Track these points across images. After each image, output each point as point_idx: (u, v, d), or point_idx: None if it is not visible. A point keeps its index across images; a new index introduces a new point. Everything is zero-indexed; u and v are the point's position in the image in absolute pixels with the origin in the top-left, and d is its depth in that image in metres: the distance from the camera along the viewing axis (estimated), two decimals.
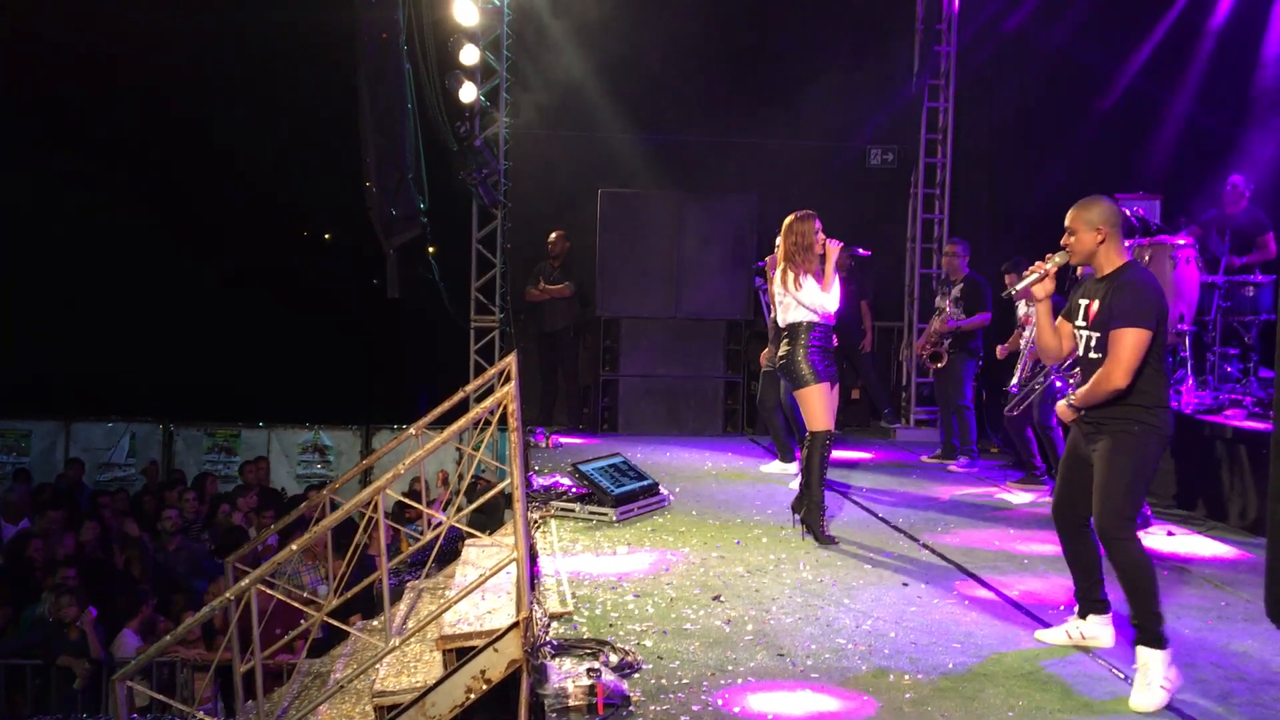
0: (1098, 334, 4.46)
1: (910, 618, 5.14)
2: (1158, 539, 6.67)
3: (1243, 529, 7.09)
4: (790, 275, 6.69)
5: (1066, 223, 4.55)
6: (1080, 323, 4.57)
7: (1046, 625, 5.03)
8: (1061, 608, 5.32)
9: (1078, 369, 4.71)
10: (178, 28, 15.56)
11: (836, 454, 9.52)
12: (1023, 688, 4.29)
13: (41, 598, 8.85)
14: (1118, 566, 4.31)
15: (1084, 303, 4.56)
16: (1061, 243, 4.56)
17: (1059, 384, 7.25)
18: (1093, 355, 4.49)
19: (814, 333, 6.67)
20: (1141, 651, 4.21)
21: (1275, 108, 10.02)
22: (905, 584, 5.71)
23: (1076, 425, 4.59)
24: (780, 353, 6.79)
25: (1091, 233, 4.46)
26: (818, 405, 6.63)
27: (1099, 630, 4.74)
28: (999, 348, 8.62)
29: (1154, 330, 4.32)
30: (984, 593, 5.62)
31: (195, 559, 9.90)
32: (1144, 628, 4.23)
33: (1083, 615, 4.79)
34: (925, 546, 6.53)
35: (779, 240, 6.94)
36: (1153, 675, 4.15)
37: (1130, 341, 4.30)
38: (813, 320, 6.66)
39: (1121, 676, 4.40)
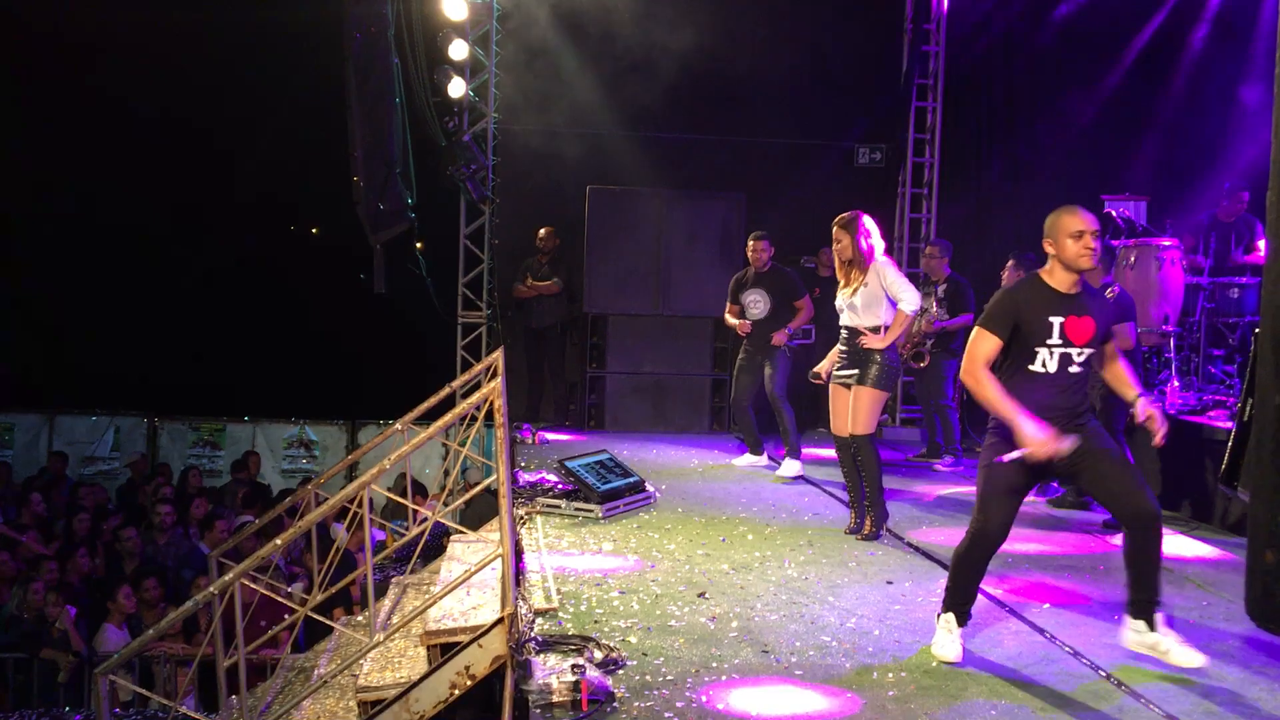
0: (1092, 350, 4.43)
1: (894, 616, 5.16)
2: None
3: (1225, 529, 7.13)
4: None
5: (1093, 225, 4.41)
6: (1055, 341, 4.39)
7: (1031, 624, 5.05)
8: (1045, 606, 5.36)
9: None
10: (163, 21, 15.47)
11: (822, 452, 9.59)
12: (1006, 686, 4.30)
13: (12, 592, 8.79)
14: (1159, 544, 4.43)
15: (1059, 320, 4.40)
16: (1090, 246, 4.37)
17: None
18: (1075, 370, 4.43)
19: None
20: (1161, 618, 4.41)
21: (1261, 111, 10.08)
22: (890, 582, 5.72)
23: (1064, 431, 4.38)
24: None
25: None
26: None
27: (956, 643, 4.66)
28: None
29: None
30: None
31: (183, 553, 9.86)
32: (1160, 600, 4.42)
33: (964, 622, 4.69)
34: (910, 545, 6.55)
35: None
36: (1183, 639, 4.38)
37: None
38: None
39: (1104, 675, 4.42)
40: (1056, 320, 4.39)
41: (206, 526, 10.01)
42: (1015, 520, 4.55)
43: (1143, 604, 4.39)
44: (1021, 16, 11.62)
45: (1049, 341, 4.40)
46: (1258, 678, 4.49)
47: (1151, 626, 4.33)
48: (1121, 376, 4.62)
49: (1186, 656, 4.22)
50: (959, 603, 4.63)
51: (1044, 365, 4.41)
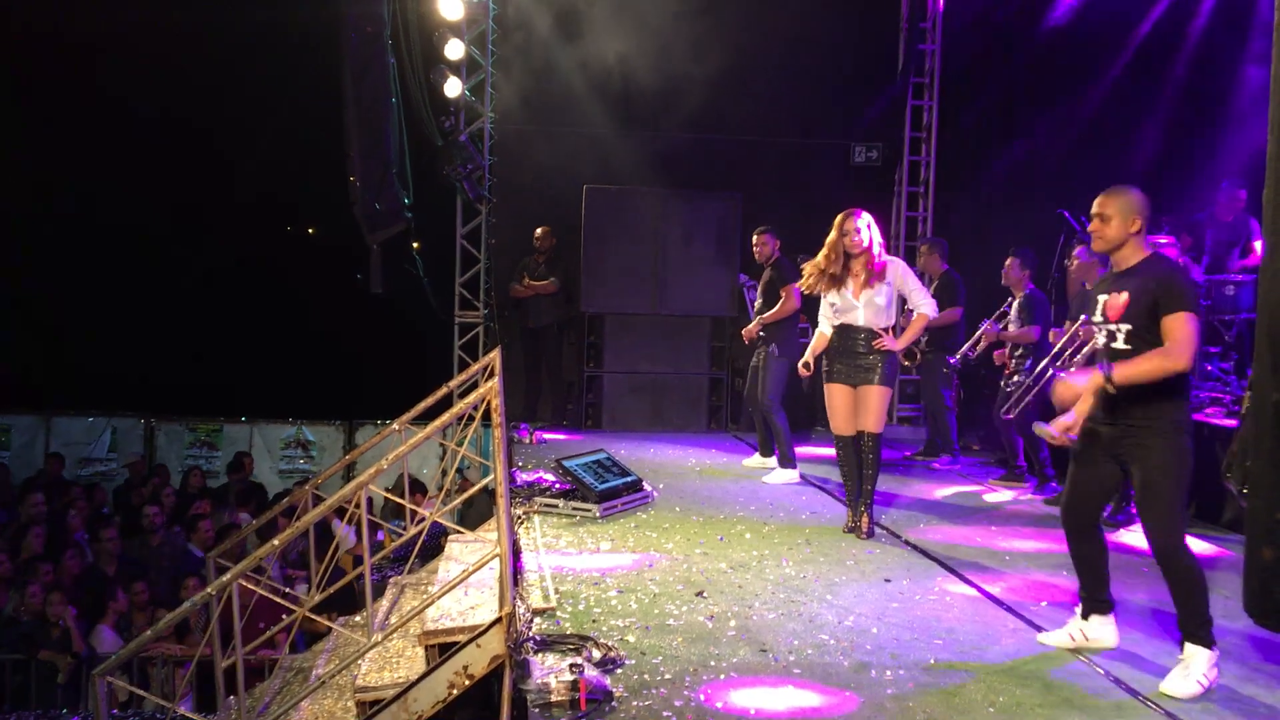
0: (1129, 325, 4.29)
1: (892, 614, 5.16)
2: (1136, 535, 6.68)
3: (1223, 526, 7.13)
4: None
5: (1096, 208, 4.38)
6: (1098, 318, 4.41)
7: (1029, 622, 5.05)
8: (1043, 604, 5.36)
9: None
10: (163, 21, 15.46)
11: (820, 451, 9.59)
12: (1003, 684, 4.30)
13: (9, 594, 8.78)
14: (1177, 579, 4.27)
15: (1103, 299, 4.42)
16: (1090, 229, 4.41)
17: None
18: (1119, 347, 4.33)
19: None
20: (1189, 647, 4.25)
21: (1257, 107, 10.08)
22: (887, 580, 5.72)
23: (1096, 425, 4.42)
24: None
25: (1128, 222, 4.34)
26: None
27: (1102, 631, 4.68)
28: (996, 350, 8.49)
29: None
30: (966, 589, 5.63)
31: (176, 554, 9.85)
32: (1194, 632, 4.26)
33: (1085, 615, 4.70)
34: (908, 543, 6.55)
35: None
36: (1194, 668, 4.21)
37: (1189, 326, 4.15)
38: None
39: (1101, 672, 4.43)
40: (1101, 298, 4.46)
41: (191, 528, 9.99)
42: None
43: (1180, 625, 4.35)
44: (1018, 13, 11.62)
45: (1094, 319, 4.48)
46: (1255, 674, 4.50)
47: (1182, 648, 4.30)
48: None
49: (1176, 685, 4.19)
50: (1080, 586, 4.71)
51: (1098, 343, 4.48)
